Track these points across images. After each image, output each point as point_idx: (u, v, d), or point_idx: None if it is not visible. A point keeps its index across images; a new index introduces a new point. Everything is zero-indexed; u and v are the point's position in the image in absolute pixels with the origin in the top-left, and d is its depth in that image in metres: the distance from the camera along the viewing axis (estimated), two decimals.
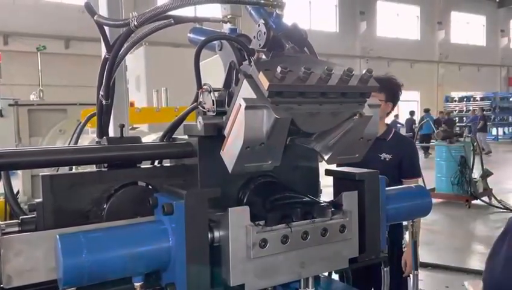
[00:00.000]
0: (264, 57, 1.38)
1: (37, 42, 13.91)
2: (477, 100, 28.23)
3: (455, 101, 29.18)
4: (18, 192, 4.49)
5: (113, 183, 1.43)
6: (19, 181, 4.64)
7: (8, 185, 1.81)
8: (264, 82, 1.18)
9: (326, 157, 1.38)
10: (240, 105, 1.18)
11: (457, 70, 34.31)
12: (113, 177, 1.44)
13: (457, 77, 33.99)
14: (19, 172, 4.81)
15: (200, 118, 1.40)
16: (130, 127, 3.65)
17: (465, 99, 28.70)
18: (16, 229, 1.31)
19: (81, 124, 2.54)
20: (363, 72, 1.30)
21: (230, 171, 1.26)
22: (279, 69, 1.16)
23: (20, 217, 1.35)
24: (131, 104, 4.70)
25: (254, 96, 1.20)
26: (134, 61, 6.25)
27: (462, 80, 33.71)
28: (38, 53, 8.70)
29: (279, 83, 1.18)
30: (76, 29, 19.54)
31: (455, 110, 27.43)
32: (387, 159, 3.19)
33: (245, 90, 1.23)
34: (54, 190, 1.35)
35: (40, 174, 1.37)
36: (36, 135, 5.06)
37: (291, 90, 1.21)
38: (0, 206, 2.71)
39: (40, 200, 1.35)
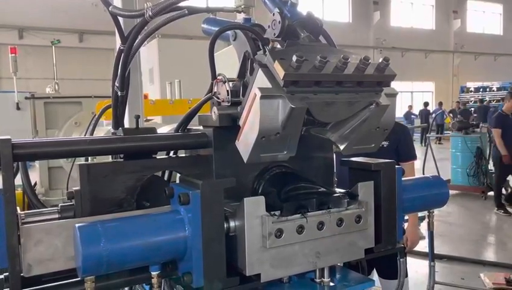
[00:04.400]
0: (278, 46, 1.37)
1: (52, 36, 14.08)
2: (493, 90, 27.67)
3: (471, 91, 28.65)
4: (35, 184, 4.57)
5: (140, 173, 1.48)
6: (36, 173, 4.73)
7: (26, 177, 1.84)
8: (279, 71, 1.16)
9: (341, 147, 1.37)
10: (255, 94, 1.17)
11: (473, 60, 33.67)
12: (135, 167, 1.47)
13: (474, 66, 33.36)
14: (36, 164, 4.90)
15: (214, 109, 1.40)
16: (144, 119, 3.68)
17: (481, 90, 28.16)
18: (56, 216, 1.39)
19: (96, 116, 2.56)
20: (380, 60, 1.28)
21: (245, 161, 1.26)
22: (294, 58, 1.15)
23: (60, 205, 1.41)
24: (145, 97, 4.73)
25: (269, 85, 1.19)
26: (148, 54, 6.27)
27: (478, 69, 33.07)
28: (53, 47, 8.79)
29: (295, 72, 1.16)
30: (90, 23, 19.72)
31: (471, 101, 26.90)
32: (385, 145, 3.24)
33: (260, 80, 1.22)
34: (91, 178, 1.40)
35: (78, 163, 1.41)
36: (52, 128, 5.13)
37: (307, 79, 1.19)
38: (18, 197, 2.76)
39: (78, 188, 1.40)
